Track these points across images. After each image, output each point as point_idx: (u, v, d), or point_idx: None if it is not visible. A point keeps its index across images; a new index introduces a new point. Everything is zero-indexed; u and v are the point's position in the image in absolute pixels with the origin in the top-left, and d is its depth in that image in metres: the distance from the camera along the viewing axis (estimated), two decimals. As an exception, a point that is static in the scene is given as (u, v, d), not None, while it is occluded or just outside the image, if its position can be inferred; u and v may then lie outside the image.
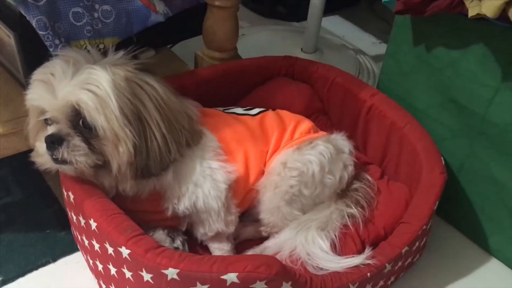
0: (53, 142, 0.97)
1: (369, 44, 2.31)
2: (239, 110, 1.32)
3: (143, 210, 1.11)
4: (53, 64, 1.00)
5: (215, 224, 1.14)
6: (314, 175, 1.19)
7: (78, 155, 0.97)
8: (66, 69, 0.98)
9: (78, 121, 0.97)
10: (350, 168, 1.27)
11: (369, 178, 1.30)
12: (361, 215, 1.22)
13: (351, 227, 1.20)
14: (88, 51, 1.06)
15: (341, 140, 1.28)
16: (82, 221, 1.03)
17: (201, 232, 1.15)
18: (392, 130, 1.34)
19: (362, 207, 1.24)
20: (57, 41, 1.25)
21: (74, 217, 1.08)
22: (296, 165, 1.18)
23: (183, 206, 1.09)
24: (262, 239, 1.24)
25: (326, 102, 1.52)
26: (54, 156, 0.98)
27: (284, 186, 1.17)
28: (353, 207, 1.22)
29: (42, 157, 1.03)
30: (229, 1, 1.39)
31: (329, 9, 2.43)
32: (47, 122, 1.02)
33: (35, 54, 1.29)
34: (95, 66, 0.98)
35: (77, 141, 0.98)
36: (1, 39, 1.33)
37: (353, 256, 1.09)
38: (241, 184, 1.17)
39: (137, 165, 0.98)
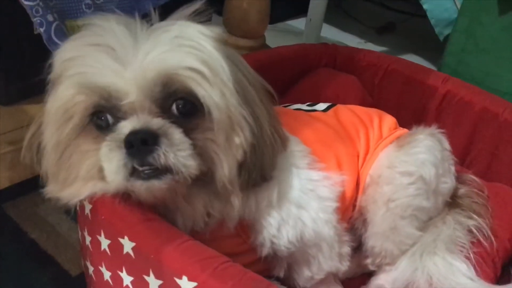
0: (146, 140, 0.59)
1: (355, 44, 2.09)
2: (302, 106, 1.00)
3: (223, 252, 0.72)
4: (102, 28, 0.63)
5: (327, 261, 0.80)
6: (431, 180, 0.89)
7: (185, 156, 0.60)
8: (133, 29, 0.62)
9: (170, 106, 0.62)
10: (453, 169, 0.99)
11: (476, 179, 1.03)
12: (488, 227, 0.94)
13: (484, 243, 0.91)
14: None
15: (439, 134, 1.00)
16: (155, 284, 0.63)
17: (305, 276, 0.81)
18: (483, 118, 1.10)
19: (482, 217, 0.96)
20: (50, 17, 0.85)
21: (128, 279, 0.67)
22: (409, 168, 0.88)
23: (286, 239, 0.75)
24: (364, 276, 0.92)
25: (377, 95, 1.25)
26: (144, 167, 0.59)
27: (403, 198, 0.87)
28: (476, 218, 0.94)
29: (110, 178, 0.61)
30: (265, -30, 1.07)
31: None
32: (101, 120, 0.63)
33: (11, 41, 0.87)
34: (183, 22, 0.63)
35: (179, 134, 0.61)
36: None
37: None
38: (340, 200, 0.84)
39: (250, 166, 0.66)
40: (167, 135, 0.60)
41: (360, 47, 2.14)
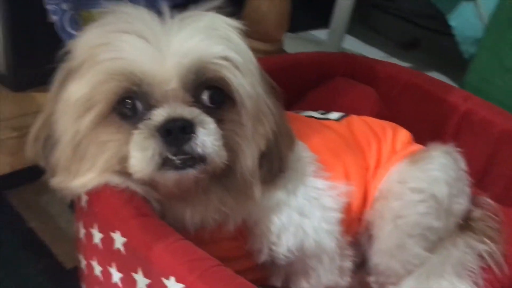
0: (184, 128, 0.58)
1: (378, 58, 2.05)
2: (314, 113, 0.97)
3: (219, 256, 0.70)
4: (131, 15, 0.62)
5: (327, 274, 0.77)
6: (443, 199, 0.85)
7: (220, 146, 0.61)
8: (162, 18, 0.63)
9: (201, 95, 0.62)
10: (468, 190, 0.94)
11: (492, 202, 0.98)
12: (500, 253, 0.89)
13: (494, 269, 0.87)
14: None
15: (455, 152, 0.96)
16: (143, 283, 0.61)
17: (303, 289, 0.77)
18: (504, 140, 1.06)
19: (495, 242, 0.91)
20: (64, 6, 0.84)
21: (117, 275, 0.65)
22: (420, 184, 0.85)
23: (285, 247, 0.72)
24: (365, 293, 0.88)
25: (394, 109, 1.21)
26: (178, 156, 0.58)
27: (412, 215, 0.83)
28: (488, 242, 0.90)
29: (138, 168, 0.60)
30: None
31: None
32: (127, 108, 0.62)
33: (26, 25, 0.87)
34: (211, 13, 0.64)
35: (213, 124, 0.61)
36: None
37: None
38: (345, 212, 0.81)
39: (272, 155, 0.67)
40: (204, 124, 0.59)
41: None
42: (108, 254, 0.66)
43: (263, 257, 0.72)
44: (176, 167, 0.59)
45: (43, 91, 0.89)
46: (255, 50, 1.16)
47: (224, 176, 0.65)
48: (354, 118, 0.97)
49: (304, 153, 0.79)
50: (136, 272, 0.62)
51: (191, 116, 0.59)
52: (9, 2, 0.82)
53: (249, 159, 0.65)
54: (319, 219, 0.74)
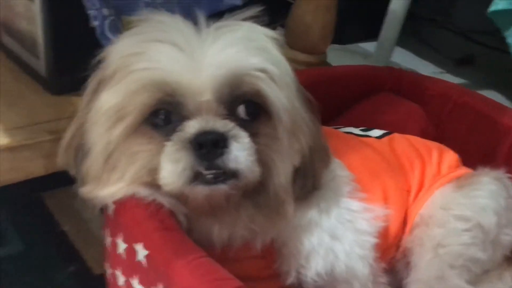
0: (217, 142, 0.56)
1: (430, 74, 1.98)
2: (354, 130, 0.93)
3: (244, 275, 0.67)
4: (166, 24, 0.61)
5: (358, 303, 0.72)
6: (490, 230, 0.79)
7: (253, 161, 0.59)
8: (198, 27, 0.61)
9: (236, 108, 0.60)
10: (518, 220, 0.87)
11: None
12: (552, 291, 0.82)
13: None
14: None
15: (507, 179, 0.89)
16: (162, 298, 0.59)
17: (333, 317, 0.73)
18: (563, 168, 0.97)
19: (546, 279, 0.84)
20: (105, 12, 0.84)
21: (137, 288, 0.63)
22: (466, 212, 0.80)
23: (314, 270, 0.69)
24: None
25: (442, 128, 1.15)
26: (210, 171, 0.56)
27: (455, 245, 0.78)
28: (539, 279, 0.83)
29: (169, 180, 0.58)
30: (334, -16, 1.02)
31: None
32: (159, 118, 0.60)
33: (67, 29, 0.88)
34: (248, 23, 0.62)
35: (247, 138, 0.59)
36: (13, 7, 0.90)
37: None
38: (381, 237, 0.77)
39: (306, 172, 0.64)
40: (237, 138, 0.57)
41: (440, 76, 2.04)
42: (131, 266, 0.64)
43: (290, 280, 0.69)
44: (207, 182, 0.57)
45: (82, 96, 0.90)
46: (298, 62, 1.15)
47: (256, 192, 0.63)
48: (397, 137, 0.92)
49: (340, 171, 0.75)
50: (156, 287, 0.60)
51: (224, 130, 0.57)
52: (50, 7, 0.83)
53: (282, 175, 0.62)
54: (352, 243, 0.70)
